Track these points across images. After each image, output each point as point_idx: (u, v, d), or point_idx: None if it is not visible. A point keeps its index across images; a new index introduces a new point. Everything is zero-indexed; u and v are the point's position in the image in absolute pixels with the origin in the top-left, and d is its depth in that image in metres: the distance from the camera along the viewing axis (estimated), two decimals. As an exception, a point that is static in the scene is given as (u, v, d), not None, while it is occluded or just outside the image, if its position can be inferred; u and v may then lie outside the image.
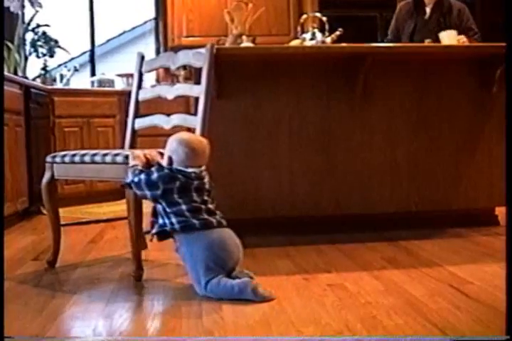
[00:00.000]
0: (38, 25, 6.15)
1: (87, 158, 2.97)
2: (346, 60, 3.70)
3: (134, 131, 3.50)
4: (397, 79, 3.86)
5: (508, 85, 2.81)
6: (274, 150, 3.79)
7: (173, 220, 2.57)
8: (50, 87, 5.89)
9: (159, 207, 2.61)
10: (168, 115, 3.24)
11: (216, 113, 3.71)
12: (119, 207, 5.02)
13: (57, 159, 3.12)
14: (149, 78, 6.65)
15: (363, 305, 2.36)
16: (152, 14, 7.33)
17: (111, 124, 6.09)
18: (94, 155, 2.94)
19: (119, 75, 6.68)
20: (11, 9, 5.96)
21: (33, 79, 5.98)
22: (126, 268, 2.98)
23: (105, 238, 3.98)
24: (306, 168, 3.81)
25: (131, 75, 6.44)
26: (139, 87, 3.52)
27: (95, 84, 6.56)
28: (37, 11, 6.01)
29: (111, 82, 6.58)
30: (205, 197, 2.63)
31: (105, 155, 2.89)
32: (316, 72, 3.80)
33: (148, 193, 2.59)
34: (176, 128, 3.24)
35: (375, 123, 3.85)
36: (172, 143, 2.66)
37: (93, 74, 7.17)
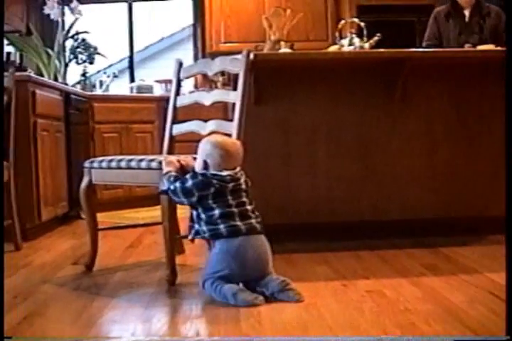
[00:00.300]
0: (78, 33, 6.23)
1: (123, 164, 3.01)
2: (384, 66, 3.69)
3: (171, 137, 3.53)
4: (435, 84, 3.83)
5: (507, 86, 2.77)
6: (312, 155, 3.79)
7: (204, 228, 2.60)
8: (89, 93, 5.96)
9: (195, 213, 2.65)
10: (205, 121, 3.26)
11: (254, 118, 3.73)
12: (157, 212, 4.99)
13: (95, 164, 3.17)
14: (188, 84, 6.68)
15: (402, 312, 2.34)
16: (190, 20, 7.38)
17: (149, 130, 6.13)
18: (130, 160, 2.98)
19: (158, 81, 6.72)
20: (51, 17, 6.05)
21: (73, 86, 6.05)
22: (163, 273, 2.99)
23: (144, 243, 4.01)
24: (343, 174, 3.80)
25: (170, 81, 6.48)
26: (177, 93, 3.56)
27: (134, 90, 6.61)
28: (77, 18, 6.09)
29: (149, 88, 6.63)
30: (243, 199, 2.64)
31: (140, 160, 2.93)
32: (353, 78, 3.80)
33: (184, 200, 2.63)
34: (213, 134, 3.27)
35: (413, 129, 3.83)
36: (206, 146, 2.66)
37: (132, 80, 7.23)
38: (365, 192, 3.81)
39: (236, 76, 3.14)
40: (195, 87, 6.43)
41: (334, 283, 2.78)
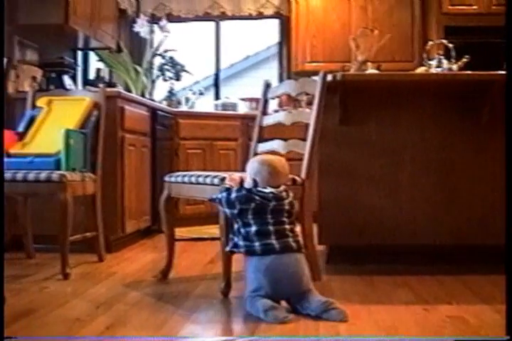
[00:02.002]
0: (166, 50, 6.35)
1: (193, 179, 3.19)
2: (472, 88, 3.64)
3: (256, 155, 3.55)
4: (525, 108, 3.75)
5: (507, 89, 2.70)
6: (395, 177, 3.76)
7: (241, 243, 2.69)
8: (175, 109, 6.06)
9: (236, 226, 2.74)
10: (286, 140, 3.41)
11: (338, 139, 3.75)
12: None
13: (173, 179, 3.38)
14: (272, 102, 6.72)
15: (485, 340, 2.29)
16: (276, 39, 7.43)
17: (233, 147, 6.18)
18: (199, 176, 3.14)
19: (243, 99, 6.78)
20: (141, 34, 6.20)
21: (160, 102, 6.17)
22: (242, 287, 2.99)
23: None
24: (427, 196, 3.75)
25: (255, 99, 6.60)
26: (264, 113, 3.69)
27: (219, 108, 6.68)
28: (165, 36, 6.22)
29: (234, 106, 6.69)
30: (283, 218, 2.70)
31: (206, 176, 3.07)
32: (440, 100, 3.76)
33: (227, 211, 2.74)
34: (291, 153, 3.35)
35: (500, 153, 3.75)
36: (253, 164, 2.78)
37: (217, 97, 7.32)
38: (448, 215, 3.75)
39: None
40: (280, 105, 6.46)
41: (415, 307, 2.74)
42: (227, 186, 2.78)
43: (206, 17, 7.17)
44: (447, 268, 3.55)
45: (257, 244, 2.63)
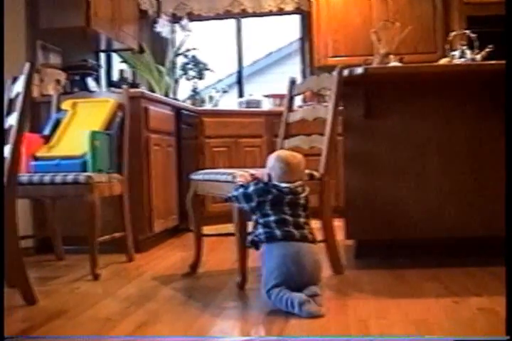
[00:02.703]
0: (188, 49, 6.37)
1: (211, 176, 3.32)
2: (497, 78, 3.60)
3: None
4: (551, 96, 3.71)
5: (507, 88, 2.66)
6: (422, 170, 3.73)
7: (261, 231, 2.76)
8: (199, 108, 6.07)
9: (254, 218, 2.84)
10: (309, 135, 3.50)
11: (364, 132, 3.74)
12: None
13: (197, 176, 3.50)
14: (298, 98, 6.71)
15: (517, 331, 2.27)
16: (298, 35, 7.42)
17: (258, 144, 6.18)
18: (216, 173, 3.26)
19: (266, 96, 6.78)
20: (163, 34, 6.22)
21: (183, 101, 6.18)
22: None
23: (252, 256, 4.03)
24: (455, 189, 3.73)
25: (278, 96, 6.60)
26: (289, 109, 3.79)
27: (243, 105, 6.69)
28: (187, 36, 6.23)
29: (258, 103, 6.70)
30: (299, 212, 2.79)
31: (221, 174, 3.19)
32: (465, 91, 3.73)
33: (245, 205, 2.83)
34: (315, 148, 3.39)
35: (528, 142, 3.72)
36: (270, 160, 2.89)
37: (241, 95, 7.33)
38: (478, 207, 3.72)
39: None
40: (304, 101, 6.45)
41: (445, 300, 2.73)
42: (241, 183, 2.88)
43: (227, 15, 7.17)
44: (477, 260, 3.53)
45: (277, 230, 2.71)
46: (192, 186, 3.53)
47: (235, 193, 2.85)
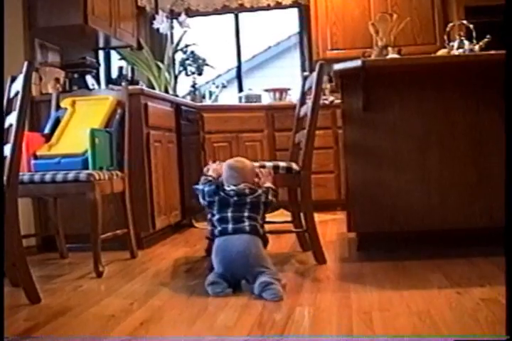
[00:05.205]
0: (187, 45, 6.37)
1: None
2: (496, 68, 3.59)
3: (294, 145, 3.98)
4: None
5: (506, 87, 2.66)
6: (423, 161, 3.73)
7: (209, 228, 3.15)
8: (199, 104, 6.08)
9: (209, 216, 3.16)
10: None
11: (363, 125, 3.74)
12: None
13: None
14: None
15: (520, 321, 2.27)
16: (296, 29, 7.41)
17: (258, 139, 6.18)
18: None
19: (266, 90, 6.77)
20: (161, 31, 6.23)
21: (183, 97, 6.18)
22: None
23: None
24: (456, 180, 3.73)
25: (278, 90, 6.60)
26: (301, 104, 3.96)
27: (243, 100, 6.69)
28: (185, 31, 6.23)
29: (258, 97, 6.69)
30: (244, 210, 3.02)
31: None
32: (464, 82, 3.72)
33: (202, 201, 3.17)
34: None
35: (529, 132, 3.71)
36: (223, 166, 3.21)
37: (240, 89, 7.32)
38: (479, 199, 3.72)
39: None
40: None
41: (448, 291, 2.73)
42: (210, 178, 3.20)
43: (224, 10, 7.16)
44: (479, 250, 3.52)
45: (218, 227, 3.01)
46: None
47: (200, 187, 3.17)
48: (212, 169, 3.28)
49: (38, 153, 3.76)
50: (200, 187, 3.16)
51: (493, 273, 3.07)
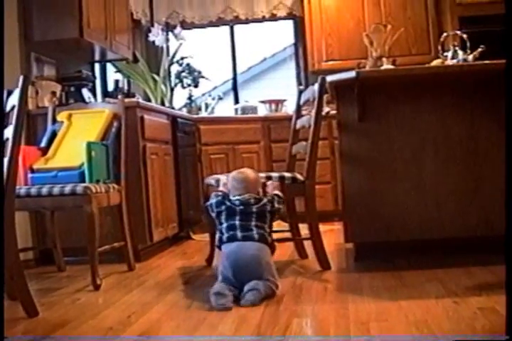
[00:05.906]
0: (182, 58, 6.39)
1: (208, 180, 3.88)
2: (490, 77, 3.62)
3: (291, 156, 4.09)
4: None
5: (507, 86, 2.67)
6: (419, 171, 3.74)
7: (217, 236, 3.18)
8: (195, 116, 6.09)
9: (218, 226, 3.21)
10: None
11: (359, 135, 3.75)
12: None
13: (206, 180, 3.99)
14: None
15: (517, 330, 2.27)
16: (292, 40, 7.44)
17: (255, 150, 6.19)
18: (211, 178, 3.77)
19: (262, 102, 6.78)
20: (156, 43, 6.25)
21: (179, 109, 6.20)
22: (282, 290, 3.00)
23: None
24: (453, 189, 3.74)
25: (274, 101, 6.62)
26: (297, 117, 4.07)
27: (239, 112, 6.70)
28: (180, 44, 6.26)
29: (254, 109, 6.70)
30: (251, 218, 3.10)
31: (212, 178, 3.71)
32: (459, 91, 3.74)
33: (212, 214, 3.27)
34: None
35: (524, 141, 3.73)
36: (228, 177, 3.33)
37: (236, 101, 7.34)
38: (476, 207, 3.73)
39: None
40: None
41: (445, 300, 2.73)
42: (220, 193, 3.29)
43: (220, 22, 7.17)
44: (476, 259, 3.52)
45: (225, 234, 3.08)
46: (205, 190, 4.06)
47: (208, 203, 3.30)
48: (222, 183, 3.39)
49: (35, 167, 3.77)
50: (212, 201, 3.27)
51: (490, 282, 3.07)
